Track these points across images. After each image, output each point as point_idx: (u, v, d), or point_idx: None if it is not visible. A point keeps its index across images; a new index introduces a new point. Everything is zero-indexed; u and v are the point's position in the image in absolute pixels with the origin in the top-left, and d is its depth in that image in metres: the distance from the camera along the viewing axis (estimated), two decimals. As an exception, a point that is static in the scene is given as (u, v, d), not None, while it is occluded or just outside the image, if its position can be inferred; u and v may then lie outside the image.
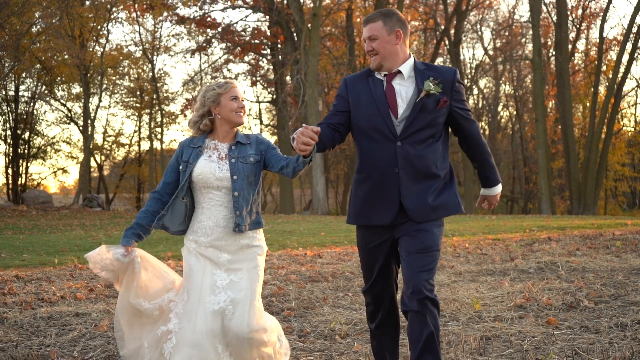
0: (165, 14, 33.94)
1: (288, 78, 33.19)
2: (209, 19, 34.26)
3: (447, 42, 36.71)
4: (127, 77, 37.42)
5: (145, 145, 40.18)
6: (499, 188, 3.70)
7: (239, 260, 3.60)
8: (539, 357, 4.10)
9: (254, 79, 37.04)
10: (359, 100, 3.56)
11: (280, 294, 6.41)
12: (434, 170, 3.48)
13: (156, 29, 35.62)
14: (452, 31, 35.74)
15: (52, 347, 4.61)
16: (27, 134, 36.37)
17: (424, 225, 3.43)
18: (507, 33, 41.23)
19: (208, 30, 34.84)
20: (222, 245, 3.59)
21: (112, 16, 33.42)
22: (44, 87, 35.47)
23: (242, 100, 3.65)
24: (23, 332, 5.07)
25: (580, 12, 36.85)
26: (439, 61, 42.24)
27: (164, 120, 37.54)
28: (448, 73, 3.51)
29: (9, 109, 35.28)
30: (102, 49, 33.42)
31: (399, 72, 3.49)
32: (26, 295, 6.49)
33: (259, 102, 39.44)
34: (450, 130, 3.63)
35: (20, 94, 35.55)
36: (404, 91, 3.48)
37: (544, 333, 4.66)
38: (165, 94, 38.11)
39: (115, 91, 38.10)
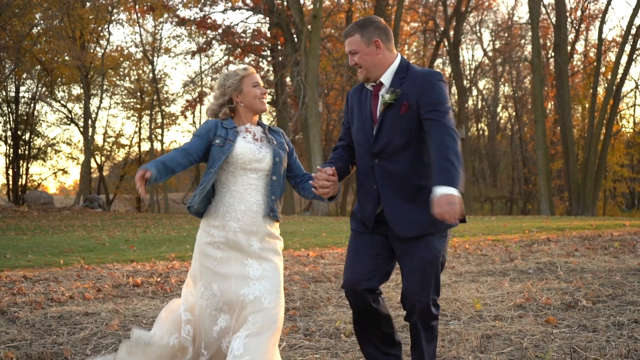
0: (165, 15, 34.08)
1: (288, 79, 33.33)
2: (209, 20, 34.41)
3: (446, 44, 36.89)
4: (127, 78, 37.61)
5: (145, 146, 40.35)
6: (445, 190, 3.14)
7: (267, 250, 3.49)
8: (538, 354, 4.22)
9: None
10: (353, 114, 3.54)
11: (285, 294, 6.53)
12: (418, 181, 3.34)
13: (157, 31, 35.80)
14: (452, 32, 35.93)
15: (65, 345, 4.73)
16: (27, 135, 36.51)
17: (420, 237, 3.33)
18: (506, 34, 41.42)
19: (208, 31, 35.00)
20: (252, 231, 3.46)
21: (113, 18, 33.57)
22: (44, 88, 35.62)
23: (263, 86, 3.57)
24: (35, 330, 5.20)
25: (579, 13, 37.07)
26: (438, 62, 42.45)
27: (164, 122, 37.70)
28: (421, 74, 3.35)
29: (9, 110, 35.44)
30: (102, 51, 33.56)
31: (382, 83, 3.41)
32: (35, 295, 6.61)
33: (259, 103, 39.58)
34: None
35: (21, 95, 35.72)
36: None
37: (543, 332, 4.79)
38: (165, 95, 38.28)
39: (116, 92, 38.30)
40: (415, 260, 3.33)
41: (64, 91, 36.68)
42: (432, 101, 3.26)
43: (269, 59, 35.68)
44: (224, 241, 3.47)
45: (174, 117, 39.00)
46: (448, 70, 42.22)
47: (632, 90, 37.79)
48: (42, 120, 38.31)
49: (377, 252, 3.43)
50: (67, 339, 4.93)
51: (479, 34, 42.55)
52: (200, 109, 39.86)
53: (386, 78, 3.38)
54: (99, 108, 34.48)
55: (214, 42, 35.39)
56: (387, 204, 3.36)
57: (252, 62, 36.30)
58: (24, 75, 34.47)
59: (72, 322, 5.50)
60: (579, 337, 4.61)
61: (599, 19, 33.29)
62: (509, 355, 4.29)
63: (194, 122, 40.82)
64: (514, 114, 44.54)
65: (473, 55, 64.28)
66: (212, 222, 3.49)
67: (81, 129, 34.72)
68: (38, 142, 37.57)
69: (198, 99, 37.50)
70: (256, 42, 35.01)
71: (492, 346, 4.49)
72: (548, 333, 4.75)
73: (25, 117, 35.92)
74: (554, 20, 32.83)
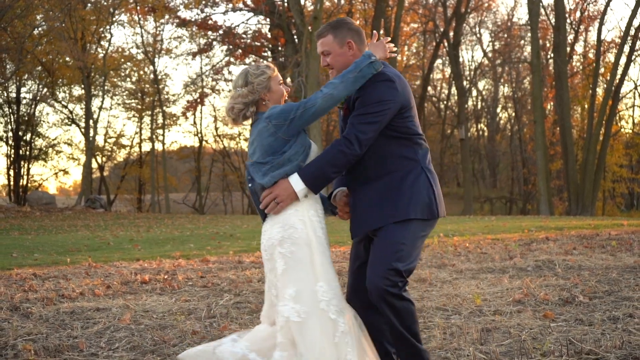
0: (166, 16, 34.25)
1: (289, 80, 33.48)
2: (210, 21, 34.59)
3: (446, 44, 37.06)
4: (128, 79, 37.78)
5: (146, 147, 40.52)
6: (293, 180, 3.22)
7: None
8: (535, 346, 4.39)
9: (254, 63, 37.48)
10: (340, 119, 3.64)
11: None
12: (363, 178, 3.37)
13: (158, 32, 35.98)
14: (452, 33, 36.09)
15: (80, 338, 4.91)
16: (28, 136, 36.67)
17: (382, 229, 3.31)
18: (505, 35, 41.60)
19: (209, 32, 35.20)
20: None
21: (114, 19, 33.74)
22: (45, 89, 35.78)
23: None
24: (49, 325, 5.37)
25: (578, 14, 37.26)
26: (438, 63, 42.66)
27: (165, 122, 37.88)
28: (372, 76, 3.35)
29: (10, 110, 35.61)
30: (104, 52, 33.72)
31: None
32: (46, 292, 6.78)
33: (259, 104, 39.73)
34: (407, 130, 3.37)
35: (22, 95, 35.89)
36: None
37: (541, 325, 4.96)
38: (166, 96, 38.46)
39: (117, 93, 38.47)
40: (377, 245, 3.31)
41: (65, 92, 36.87)
42: (361, 101, 3.28)
43: (270, 60, 35.85)
44: (320, 226, 3.37)
45: (175, 118, 39.21)
46: (448, 70, 42.45)
47: (631, 91, 37.98)
48: (43, 121, 38.57)
49: (361, 264, 3.49)
50: (81, 332, 5.10)
51: (478, 35, 42.77)
52: (201, 109, 40.08)
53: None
54: (100, 109, 34.66)
55: (214, 43, 35.61)
56: (351, 204, 3.46)
57: (253, 63, 36.48)
58: (25, 76, 34.64)
59: (85, 317, 5.67)
60: (575, 330, 4.77)
61: (598, 20, 33.48)
62: (507, 347, 4.46)
63: (194, 122, 41.03)
64: (513, 114, 44.73)
65: (473, 56, 64.62)
66: (310, 209, 3.34)
67: (82, 130, 34.90)
68: (39, 142, 37.80)
69: (199, 100, 37.69)
70: (257, 43, 35.19)
71: (491, 339, 4.66)
72: (546, 327, 4.91)
73: (26, 118, 36.09)
74: (553, 21, 32.99)
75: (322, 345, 3.14)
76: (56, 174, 38.97)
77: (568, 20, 35.15)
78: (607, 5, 31.83)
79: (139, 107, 38.63)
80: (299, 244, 3.24)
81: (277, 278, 3.27)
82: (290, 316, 3.17)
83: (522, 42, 40.70)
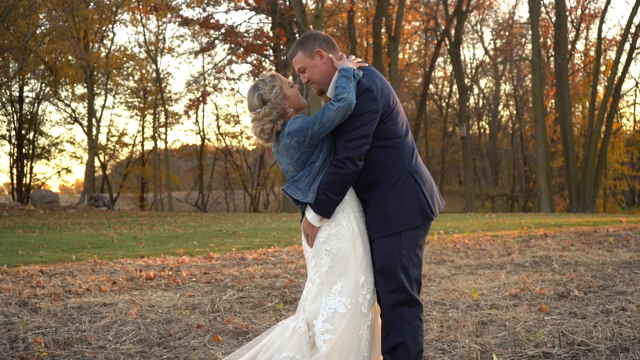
0: (169, 15, 34.39)
1: (290, 79, 33.62)
2: (212, 20, 34.71)
3: (447, 43, 37.15)
4: (130, 77, 37.94)
5: (148, 145, 40.70)
6: (309, 214, 3.32)
7: None
8: (529, 338, 4.54)
9: (256, 79, 37.51)
10: None
11: (292, 286, 6.86)
12: (361, 188, 3.41)
13: (160, 31, 36.12)
14: (453, 32, 36.18)
15: (88, 332, 5.06)
16: (31, 134, 36.85)
17: (376, 243, 3.37)
18: (507, 33, 41.69)
19: (211, 31, 35.30)
20: None
21: (117, 18, 33.89)
22: (48, 88, 35.96)
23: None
24: (58, 319, 5.52)
25: (579, 12, 37.33)
26: (439, 61, 42.76)
27: (168, 121, 38.03)
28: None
29: (13, 109, 35.78)
30: (107, 51, 33.88)
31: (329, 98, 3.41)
32: (54, 288, 6.94)
33: (261, 103, 39.84)
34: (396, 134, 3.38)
35: (25, 94, 36.09)
36: None
37: (535, 319, 5.10)
38: (168, 95, 38.62)
39: (119, 92, 38.64)
40: (373, 261, 3.38)
41: (67, 91, 37.06)
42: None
43: (272, 58, 35.98)
44: (362, 221, 3.46)
45: (177, 116, 39.37)
46: (449, 69, 42.54)
47: (632, 88, 38.06)
48: (46, 120, 38.73)
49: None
50: (89, 326, 5.26)
51: (480, 33, 42.86)
52: (204, 108, 40.24)
53: (330, 92, 3.41)
54: (102, 107, 34.84)
55: (216, 42, 35.72)
56: None
57: (255, 62, 36.61)
58: (28, 75, 34.81)
59: (92, 311, 5.83)
60: (568, 323, 4.92)
61: (599, 18, 33.54)
62: (502, 338, 4.61)
63: (196, 121, 41.22)
64: (514, 112, 44.83)
65: (474, 54, 64.48)
66: (355, 206, 3.43)
67: (85, 128, 35.09)
68: (42, 141, 38.00)
69: (201, 98, 37.85)
70: (259, 42, 35.30)
71: (487, 331, 4.80)
72: (540, 320, 5.06)
73: (29, 117, 36.27)
74: (554, 19, 33.07)
75: (345, 335, 3.23)
76: (59, 172, 39.18)
77: (569, 18, 35.23)
78: (608, 3, 31.88)
79: (142, 105, 38.81)
80: (345, 240, 3.31)
81: (321, 275, 3.33)
82: (337, 308, 3.25)
83: (523, 40, 40.80)
